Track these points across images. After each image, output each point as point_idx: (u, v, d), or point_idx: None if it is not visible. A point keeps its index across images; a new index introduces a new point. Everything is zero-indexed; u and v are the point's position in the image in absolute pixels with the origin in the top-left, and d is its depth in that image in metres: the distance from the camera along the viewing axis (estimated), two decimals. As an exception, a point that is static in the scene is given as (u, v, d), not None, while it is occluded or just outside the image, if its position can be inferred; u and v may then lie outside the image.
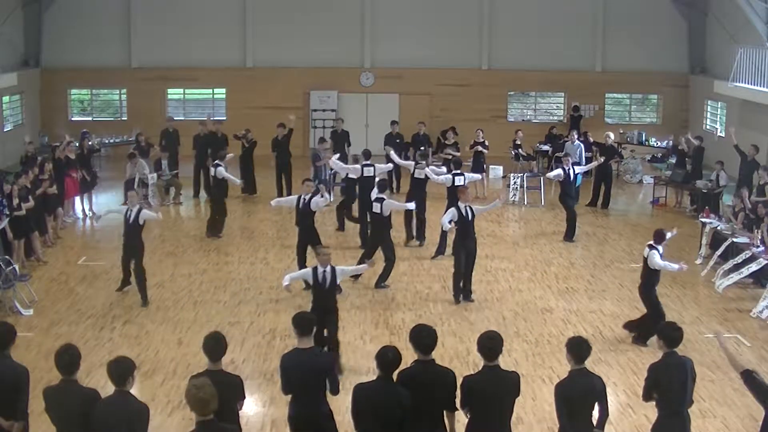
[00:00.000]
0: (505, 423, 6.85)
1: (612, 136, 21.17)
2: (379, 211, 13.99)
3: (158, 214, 14.28)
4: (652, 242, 11.55)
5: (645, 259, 11.59)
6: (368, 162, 16.34)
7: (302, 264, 13.67)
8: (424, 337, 6.80)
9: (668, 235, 11.87)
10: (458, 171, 15.88)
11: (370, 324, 12.27)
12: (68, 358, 6.49)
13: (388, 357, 6.64)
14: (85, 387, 6.67)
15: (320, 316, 10.05)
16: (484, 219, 17.22)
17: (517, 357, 11.07)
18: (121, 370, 6.28)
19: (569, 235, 17.08)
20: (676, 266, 11.64)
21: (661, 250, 11.49)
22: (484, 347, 6.80)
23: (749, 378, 6.87)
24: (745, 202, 15.94)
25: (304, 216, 13.74)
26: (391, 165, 17.52)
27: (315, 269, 10.37)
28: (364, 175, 16.15)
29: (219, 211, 17.05)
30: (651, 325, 11.13)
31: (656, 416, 7.32)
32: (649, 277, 11.55)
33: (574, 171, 17.38)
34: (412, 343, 6.85)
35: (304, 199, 13.64)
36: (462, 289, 13.24)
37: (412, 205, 14.90)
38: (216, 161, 17.20)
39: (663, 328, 7.33)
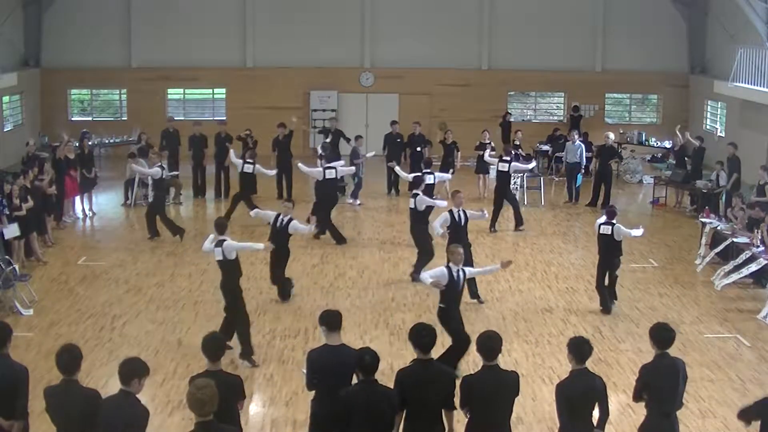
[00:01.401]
0: (504, 423, 6.85)
1: (611, 136, 21.15)
2: (413, 206, 14.19)
3: (262, 245, 12.02)
4: (606, 219, 12.85)
5: (604, 237, 12.83)
6: (330, 165, 16.91)
7: (280, 279, 13.39)
8: (423, 336, 6.80)
9: (636, 232, 13.07)
10: (428, 170, 16.27)
11: (370, 324, 12.26)
12: (68, 358, 6.49)
13: (365, 361, 6.61)
14: (86, 387, 6.67)
15: (455, 314, 10.28)
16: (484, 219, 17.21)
17: (517, 357, 11.07)
18: (126, 369, 6.26)
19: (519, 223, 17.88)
20: (640, 231, 13.27)
21: (615, 222, 12.87)
22: (483, 347, 6.80)
23: (744, 414, 6.93)
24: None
25: (279, 236, 13.09)
26: (353, 168, 18.13)
27: (449, 268, 10.20)
28: (326, 177, 16.61)
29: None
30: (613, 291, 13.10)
31: (644, 417, 7.32)
32: (615, 249, 12.84)
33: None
34: (411, 342, 6.85)
35: (282, 220, 13.06)
36: (470, 294, 13.10)
37: (444, 203, 14.93)
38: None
39: (654, 330, 7.26)
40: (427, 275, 10.38)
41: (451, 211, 12.90)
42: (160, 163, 17.14)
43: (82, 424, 6.35)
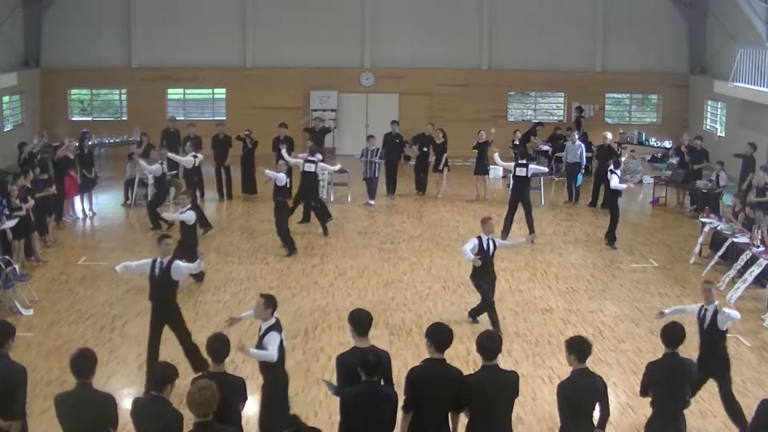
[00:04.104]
0: (504, 423, 6.85)
1: (609, 136, 21.12)
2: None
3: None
4: (612, 168, 15.98)
5: (605, 180, 16.46)
6: (311, 159, 17.43)
7: (154, 354, 10.18)
8: (443, 334, 6.79)
9: (624, 186, 16.28)
10: (524, 162, 17.01)
11: (370, 324, 12.23)
12: (83, 362, 6.46)
13: (369, 361, 6.61)
14: (101, 391, 6.66)
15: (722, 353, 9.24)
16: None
17: (517, 357, 11.07)
18: (161, 376, 6.32)
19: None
20: (626, 185, 16.50)
21: (619, 174, 16.08)
22: (483, 347, 6.80)
23: None
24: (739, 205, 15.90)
25: (161, 289, 10.09)
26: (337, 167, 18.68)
27: (701, 308, 9.15)
28: (305, 169, 17.32)
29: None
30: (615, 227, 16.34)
31: (650, 414, 7.33)
32: (613, 194, 16.08)
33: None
34: (428, 339, 6.84)
35: (161, 263, 10.02)
36: (472, 310, 12.33)
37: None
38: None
39: (666, 328, 7.33)
40: (668, 310, 9.89)
41: (480, 237, 11.87)
42: (160, 161, 17.90)
43: (96, 429, 6.31)
